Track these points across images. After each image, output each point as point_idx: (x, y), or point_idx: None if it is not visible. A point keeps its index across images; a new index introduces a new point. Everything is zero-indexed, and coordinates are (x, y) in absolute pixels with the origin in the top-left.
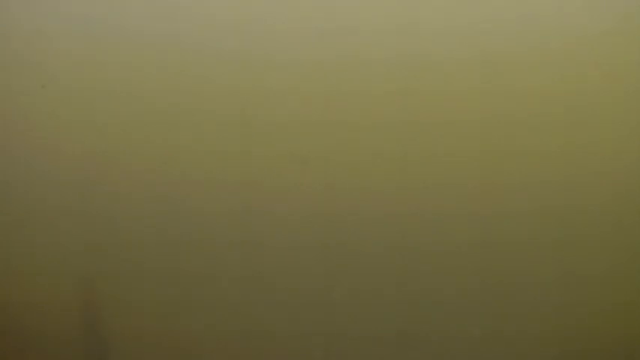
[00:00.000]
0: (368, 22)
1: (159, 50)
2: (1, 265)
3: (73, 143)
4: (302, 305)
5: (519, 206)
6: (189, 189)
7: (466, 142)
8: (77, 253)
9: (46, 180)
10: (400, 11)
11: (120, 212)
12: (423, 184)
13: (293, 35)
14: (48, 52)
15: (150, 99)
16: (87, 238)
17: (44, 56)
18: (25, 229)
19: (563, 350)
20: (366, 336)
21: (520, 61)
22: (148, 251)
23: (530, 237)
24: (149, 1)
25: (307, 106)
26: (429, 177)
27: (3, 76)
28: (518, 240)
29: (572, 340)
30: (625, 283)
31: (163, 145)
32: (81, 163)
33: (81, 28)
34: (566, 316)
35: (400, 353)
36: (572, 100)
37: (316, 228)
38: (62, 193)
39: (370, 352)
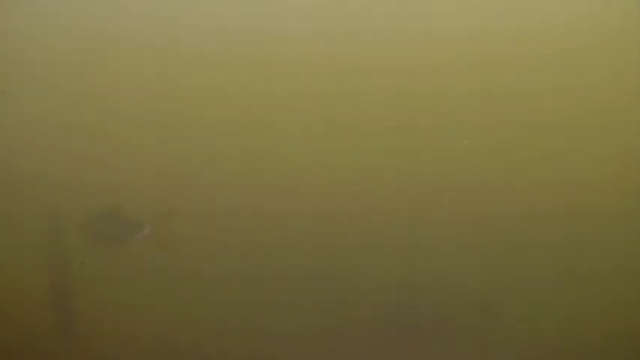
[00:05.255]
0: (370, 26)
1: (159, 53)
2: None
3: (73, 144)
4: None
5: (519, 207)
6: (189, 189)
7: (469, 144)
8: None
9: (46, 179)
10: (402, 14)
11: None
12: (426, 185)
13: (295, 39)
14: (49, 55)
15: (149, 102)
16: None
17: (45, 58)
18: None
19: (564, 348)
20: (368, 334)
21: (520, 63)
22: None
23: (531, 237)
24: (151, 5)
25: (308, 109)
26: (432, 178)
27: (3, 77)
28: (518, 241)
29: (573, 338)
30: (626, 282)
31: (162, 146)
32: (81, 164)
33: (83, 31)
34: (567, 315)
35: (401, 350)
36: (573, 100)
37: (318, 228)
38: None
39: (372, 348)
